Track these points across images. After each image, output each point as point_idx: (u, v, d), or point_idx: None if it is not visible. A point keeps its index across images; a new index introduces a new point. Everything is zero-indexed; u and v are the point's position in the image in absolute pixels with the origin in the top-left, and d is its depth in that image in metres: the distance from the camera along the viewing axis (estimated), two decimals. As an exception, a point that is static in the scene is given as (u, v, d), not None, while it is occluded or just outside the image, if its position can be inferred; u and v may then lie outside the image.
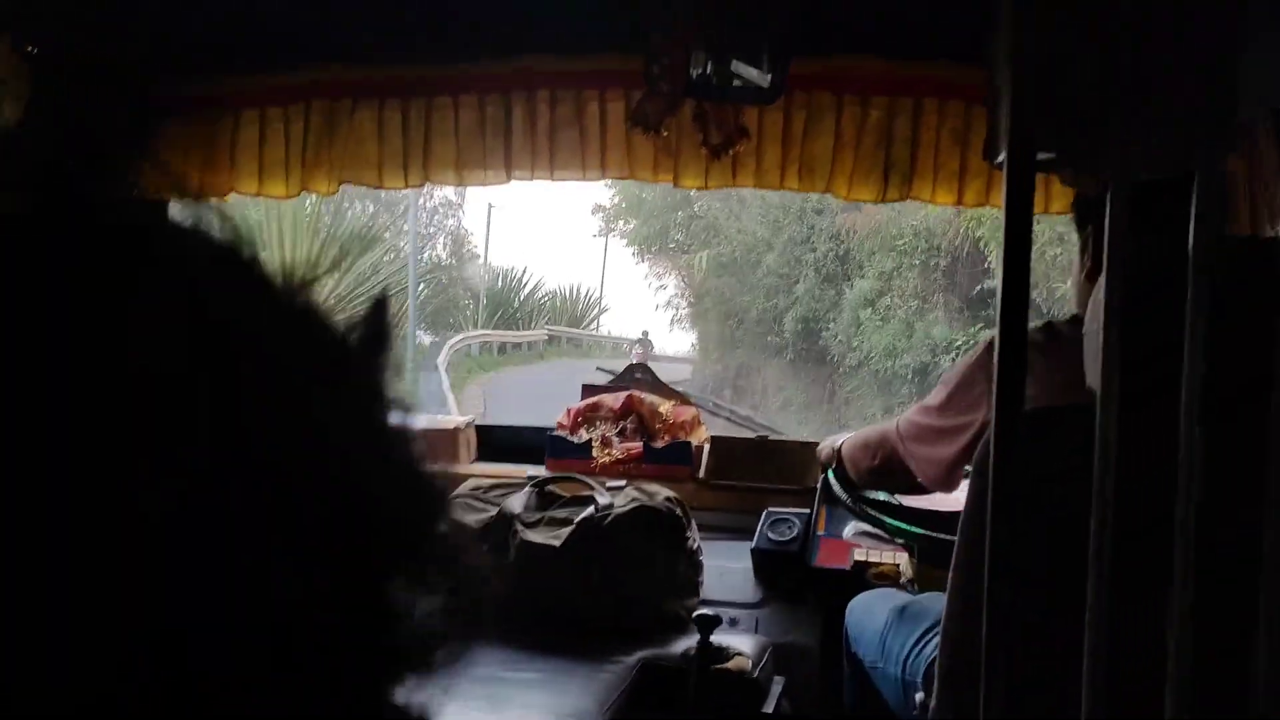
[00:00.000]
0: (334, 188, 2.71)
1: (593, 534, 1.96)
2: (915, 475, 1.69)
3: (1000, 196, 0.68)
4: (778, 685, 1.86)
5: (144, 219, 0.31)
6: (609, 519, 1.98)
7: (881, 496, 2.06)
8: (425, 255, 22.79)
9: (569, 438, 2.69)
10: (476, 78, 2.56)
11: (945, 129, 2.28)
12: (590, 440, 2.69)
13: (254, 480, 0.30)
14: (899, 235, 15.45)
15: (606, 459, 2.65)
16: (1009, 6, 0.67)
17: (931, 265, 15.22)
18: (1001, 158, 0.67)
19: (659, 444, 2.68)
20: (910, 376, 14.70)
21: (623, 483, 2.21)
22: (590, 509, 2.00)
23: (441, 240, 24.68)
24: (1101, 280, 0.77)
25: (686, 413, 2.81)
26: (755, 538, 2.30)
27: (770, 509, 2.35)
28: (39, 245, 0.30)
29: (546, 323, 22.22)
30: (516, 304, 22.77)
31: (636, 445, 2.67)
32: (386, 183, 2.69)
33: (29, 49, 2.12)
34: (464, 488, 2.19)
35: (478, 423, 3.02)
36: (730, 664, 1.73)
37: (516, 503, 2.07)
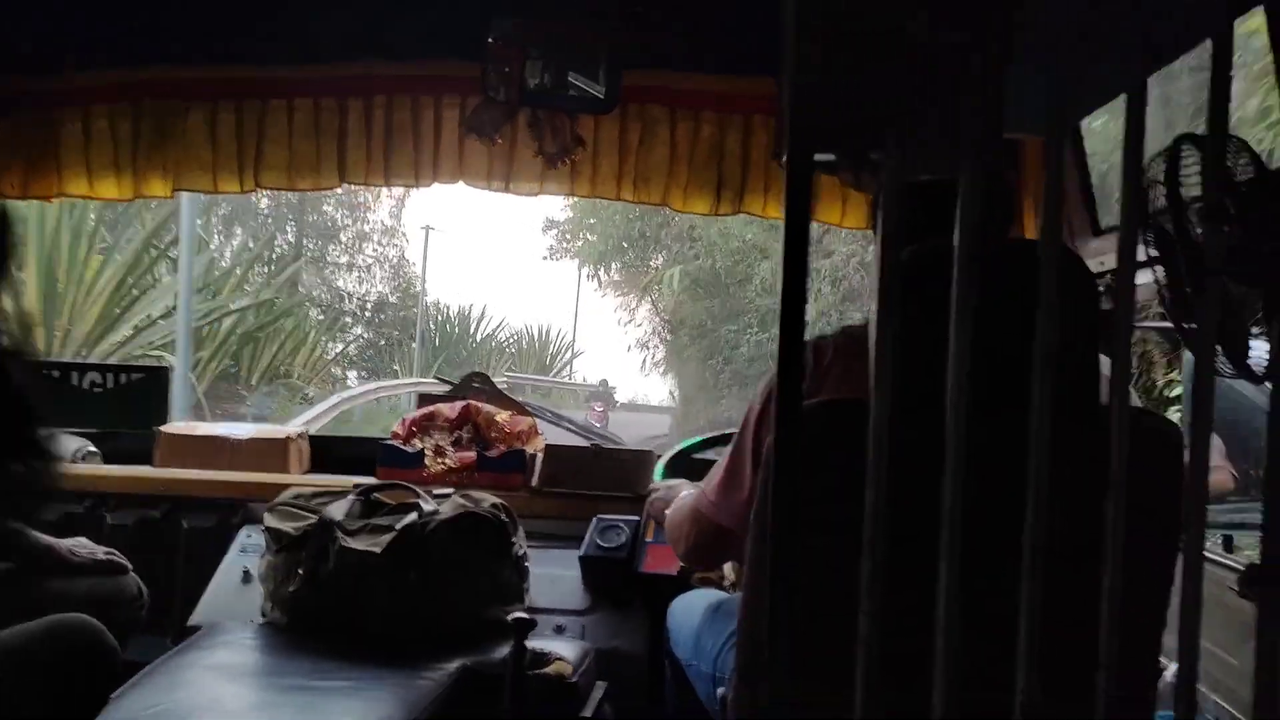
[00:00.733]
0: (169, 192, 2.64)
1: (415, 541, 1.93)
2: (730, 529, 1.56)
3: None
4: (599, 690, 1.86)
5: None
6: (431, 525, 1.95)
7: None
8: (364, 289, 20.61)
9: (402, 447, 2.65)
10: (312, 81, 2.52)
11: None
12: (424, 449, 2.65)
13: None
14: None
15: (439, 468, 2.62)
16: (791, 16, 0.70)
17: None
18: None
19: (494, 453, 2.65)
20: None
21: (449, 490, 2.19)
22: (413, 515, 1.97)
23: (378, 273, 21.33)
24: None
25: (523, 422, 2.80)
26: (584, 545, 2.30)
27: (600, 515, 2.35)
28: None
29: (508, 369, 19.09)
30: (470, 346, 20.14)
31: (470, 454, 2.65)
32: (221, 187, 2.62)
33: None
34: (285, 495, 2.13)
35: (311, 433, 2.95)
36: (550, 669, 1.73)
37: (338, 510, 2.01)
